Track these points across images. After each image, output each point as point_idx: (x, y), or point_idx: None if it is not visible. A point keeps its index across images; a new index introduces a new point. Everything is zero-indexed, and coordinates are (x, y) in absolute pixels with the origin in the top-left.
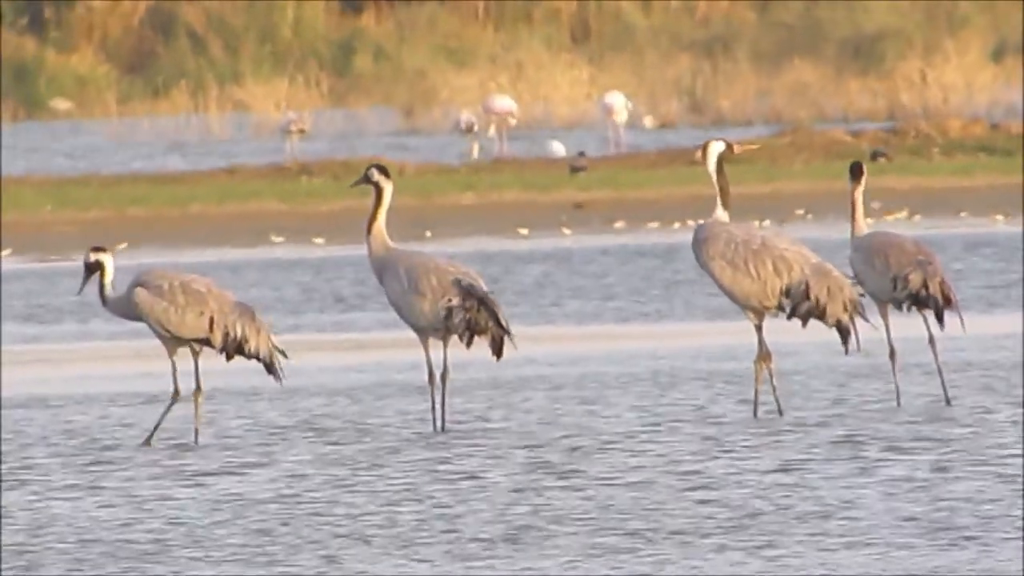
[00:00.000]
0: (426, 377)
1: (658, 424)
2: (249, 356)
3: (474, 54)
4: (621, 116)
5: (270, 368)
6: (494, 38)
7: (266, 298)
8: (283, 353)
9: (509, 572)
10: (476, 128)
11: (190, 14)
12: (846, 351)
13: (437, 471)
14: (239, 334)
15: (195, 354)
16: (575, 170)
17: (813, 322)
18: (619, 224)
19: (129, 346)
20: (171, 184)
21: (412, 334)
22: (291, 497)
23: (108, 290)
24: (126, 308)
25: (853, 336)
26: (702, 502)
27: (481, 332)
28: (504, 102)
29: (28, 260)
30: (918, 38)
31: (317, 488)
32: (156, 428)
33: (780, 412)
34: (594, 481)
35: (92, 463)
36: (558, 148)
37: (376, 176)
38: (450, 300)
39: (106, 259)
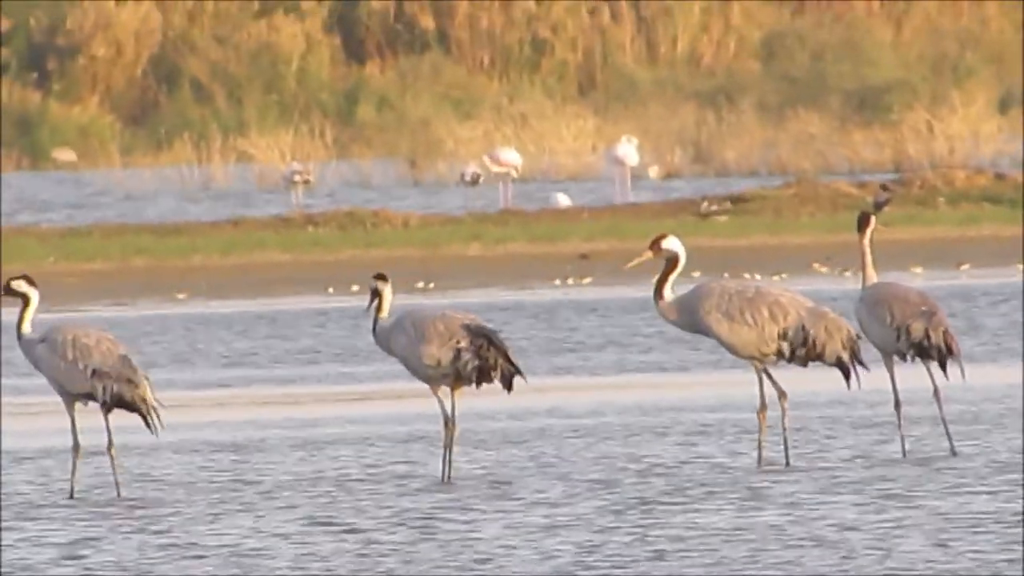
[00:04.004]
0: (442, 426)
1: (665, 473)
2: (128, 408)
3: (479, 105)
4: (632, 163)
5: (146, 420)
6: (499, 89)
7: (273, 349)
8: (158, 406)
9: None
10: (482, 180)
11: (193, 65)
12: (848, 387)
13: (460, 519)
14: (119, 387)
15: (106, 410)
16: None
17: (816, 373)
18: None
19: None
20: (175, 235)
21: (421, 384)
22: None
23: (25, 326)
24: (33, 359)
25: (854, 374)
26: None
27: (491, 370)
28: (508, 155)
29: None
30: (924, 90)
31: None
32: (72, 481)
33: (787, 463)
34: (613, 533)
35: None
36: (563, 199)
37: (376, 283)
38: (458, 342)
39: (32, 293)
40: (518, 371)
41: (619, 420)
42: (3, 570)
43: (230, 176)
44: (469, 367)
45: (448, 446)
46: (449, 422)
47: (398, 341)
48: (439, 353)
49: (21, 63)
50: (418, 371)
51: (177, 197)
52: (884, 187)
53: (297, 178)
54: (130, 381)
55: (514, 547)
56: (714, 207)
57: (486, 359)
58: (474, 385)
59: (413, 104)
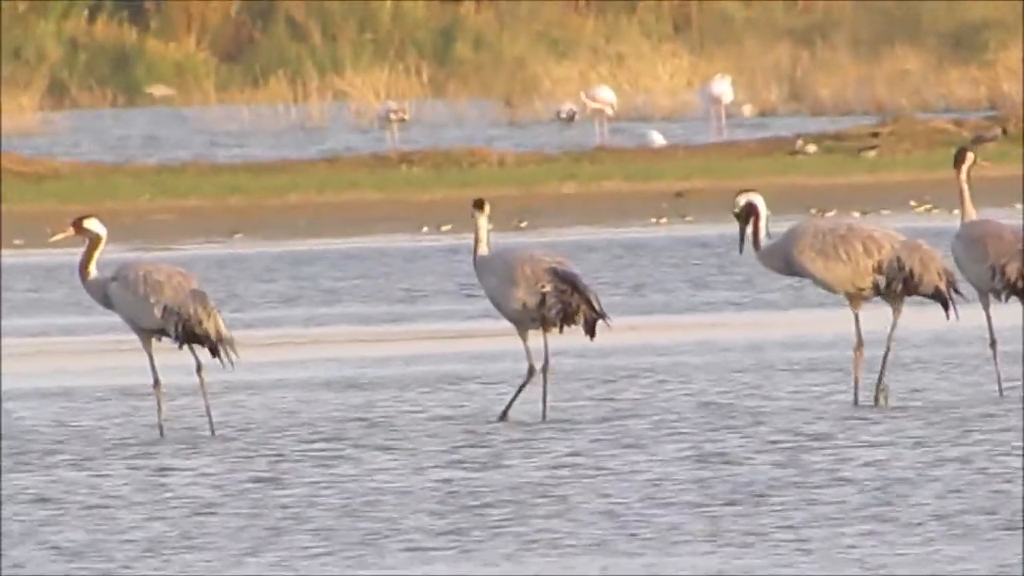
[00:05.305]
0: (527, 369)
1: (764, 412)
2: (201, 342)
3: (575, 43)
4: (727, 101)
5: (216, 353)
6: (595, 27)
7: (367, 288)
8: (231, 340)
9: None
10: (577, 118)
11: (288, 2)
12: (947, 317)
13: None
14: (190, 320)
15: (179, 345)
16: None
17: (910, 310)
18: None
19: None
20: (270, 173)
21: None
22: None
23: (92, 267)
24: (101, 297)
25: (952, 305)
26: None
27: (575, 315)
28: (604, 93)
29: (128, 249)
30: (1019, 28)
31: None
32: (159, 419)
33: (876, 401)
34: (691, 465)
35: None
36: (658, 137)
37: (473, 211)
38: (543, 287)
39: (103, 233)
40: (602, 316)
41: (717, 359)
42: (93, 508)
43: (325, 114)
44: (553, 311)
45: (543, 385)
46: (533, 366)
47: (489, 281)
48: (525, 297)
49: (117, 2)
50: (506, 312)
51: (272, 135)
52: (1003, 130)
53: (392, 116)
54: (201, 315)
55: (619, 483)
56: (809, 146)
57: (569, 303)
58: (558, 329)
59: (509, 43)
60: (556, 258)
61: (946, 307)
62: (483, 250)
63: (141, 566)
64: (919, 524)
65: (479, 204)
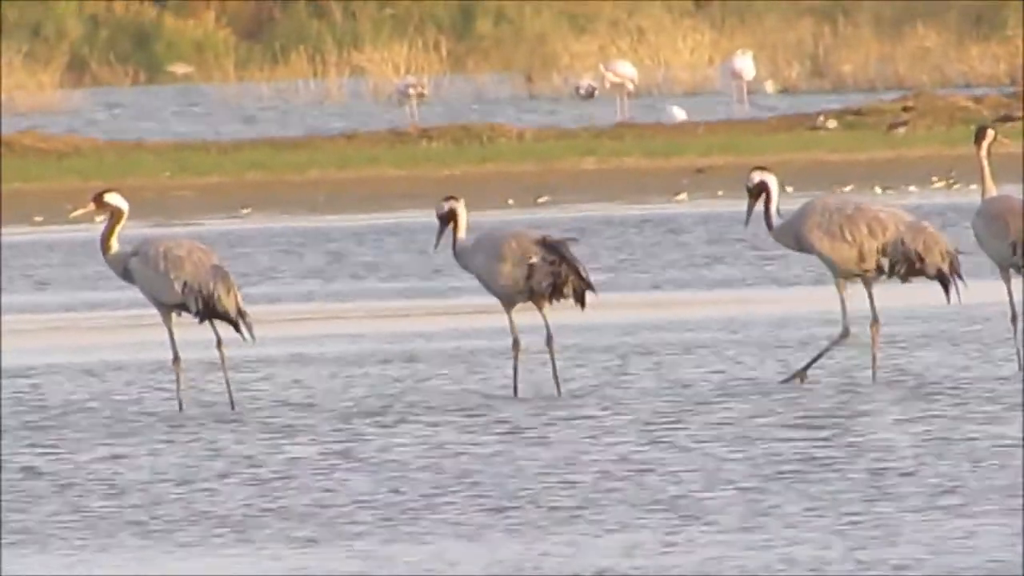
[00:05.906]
0: (511, 344)
1: (763, 387)
2: (220, 317)
3: (595, 18)
4: (749, 76)
5: (237, 328)
6: (615, 3)
7: (384, 263)
8: (247, 314)
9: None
10: (597, 93)
11: None
12: (948, 301)
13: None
14: (210, 296)
15: (199, 320)
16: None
17: (923, 289)
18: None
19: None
20: (290, 149)
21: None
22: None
23: (113, 242)
24: (122, 272)
25: (953, 287)
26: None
27: (563, 286)
28: (624, 68)
29: (148, 225)
30: None
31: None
32: (178, 394)
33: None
34: (698, 442)
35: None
36: (679, 113)
37: (447, 206)
38: (531, 258)
39: (124, 207)
40: (589, 286)
41: (737, 335)
42: (121, 485)
43: (344, 90)
44: (544, 283)
45: (551, 360)
46: (518, 341)
47: (475, 261)
48: (513, 270)
49: None
50: (495, 290)
51: (292, 111)
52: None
53: (411, 92)
54: (221, 291)
55: (632, 461)
56: (830, 122)
57: (558, 274)
58: (548, 301)
59: (530, 18)
60: (541, 233)
61: (947, 290)
62: (462, 235)
63: (169, 541)
64: (956, 501)
65: (454, 197)
